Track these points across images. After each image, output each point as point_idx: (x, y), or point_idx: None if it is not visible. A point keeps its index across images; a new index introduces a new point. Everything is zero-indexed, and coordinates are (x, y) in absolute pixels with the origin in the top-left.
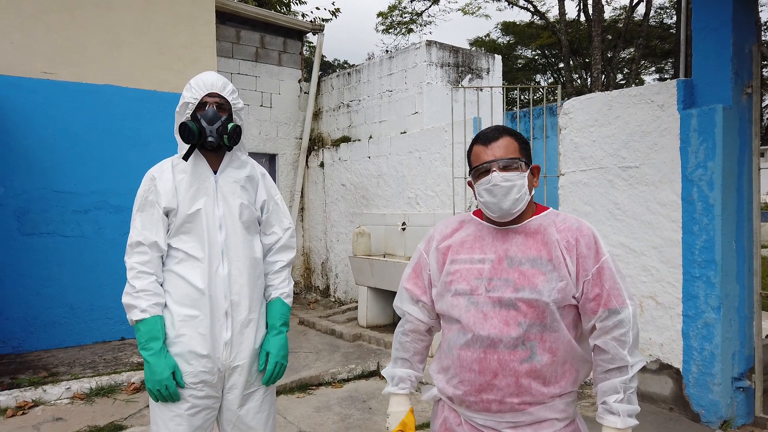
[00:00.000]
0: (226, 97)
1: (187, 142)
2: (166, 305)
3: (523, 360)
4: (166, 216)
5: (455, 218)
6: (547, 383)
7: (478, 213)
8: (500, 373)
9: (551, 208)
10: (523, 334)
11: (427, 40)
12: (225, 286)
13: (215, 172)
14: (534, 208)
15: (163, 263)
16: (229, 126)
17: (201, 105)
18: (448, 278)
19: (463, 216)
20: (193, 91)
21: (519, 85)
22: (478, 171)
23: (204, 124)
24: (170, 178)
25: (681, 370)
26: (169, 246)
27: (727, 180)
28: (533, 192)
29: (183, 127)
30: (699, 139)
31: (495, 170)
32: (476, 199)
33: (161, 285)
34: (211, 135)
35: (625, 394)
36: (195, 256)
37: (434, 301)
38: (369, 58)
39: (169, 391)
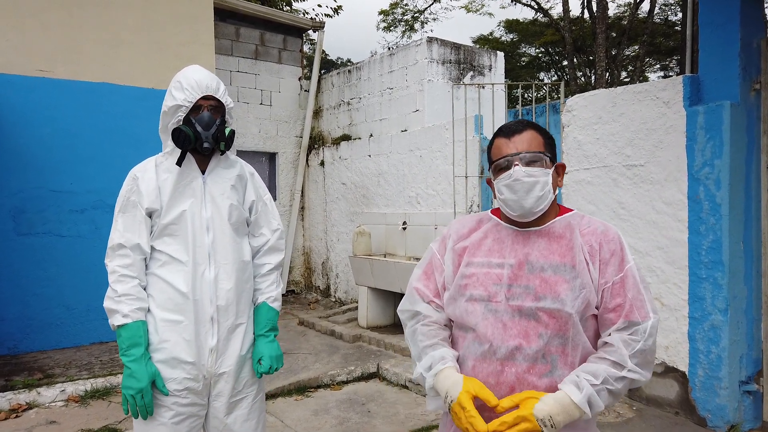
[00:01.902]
0: (219, 98)
1: (181, 148)
2: (149, 310)
3: (543, 375)
4: (149, 217)
5: (472, 217)
6: None
7: (497, 212)
8: (518, 387)
9: (575, 210)
10: (544, 347)
11: (428, 37)
12: (211, 291)
13: (203, 172)
14: (557, 209)
15: (146, 266)
16: (227, 131)
17: (194, 107)
18: (463, 281)
19: (481, 215)
20: (186, 93)
21: (522, 82)
22: (498, 166)
23: (199, 129)
24: (153, 177)
25: (687, 373)
26: (152, 248)
27: (734, 178)
28: (557, 192)
29: (178, 132)
30: (706, 137)
31: (517, 164)
32: (495, 197)
33: (144, 289)
34: (207, 141)
35: (601, 383)
36: (179, 259)
37: (446, 305)
38: (372, 56)
39: (144, 401)
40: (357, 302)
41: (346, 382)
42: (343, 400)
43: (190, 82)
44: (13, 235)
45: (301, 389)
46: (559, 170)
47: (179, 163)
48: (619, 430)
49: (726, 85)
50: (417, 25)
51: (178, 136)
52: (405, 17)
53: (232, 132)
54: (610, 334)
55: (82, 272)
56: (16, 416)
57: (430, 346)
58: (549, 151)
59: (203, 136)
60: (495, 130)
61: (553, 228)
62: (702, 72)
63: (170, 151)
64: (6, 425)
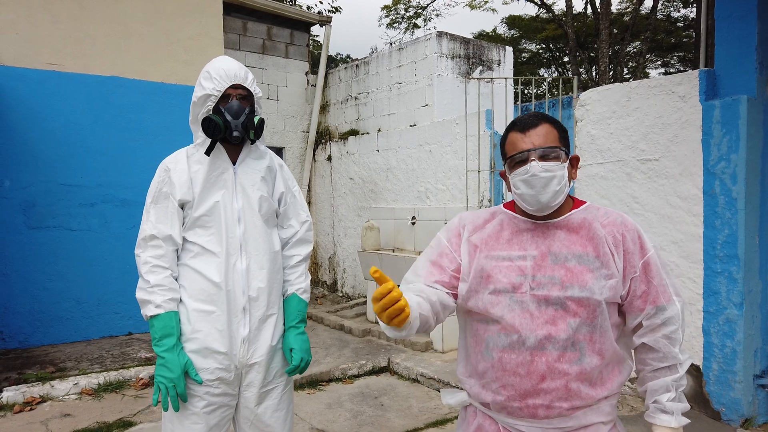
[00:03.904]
0: (248, 87)
1: (210, 137)
2: (181, 300)
3: (573, 362)
4: (181, 208)
5: (486, 210)
6: (594, 385)
7: (510, 206)
8: (548, 376)
9: (589, 202)
10: (573, 335)
11: (437, 31)
12: (243, 281)
13: (234, 163)
14: (572, 201)
15: (177, 257)
16: (256, 120)
17: (223, 97)
18: (484, 274)
19: (494, 209)
20: (215, 83)
21: (534, 77)
22: (513, 160)
23: (229, 118)
24: (185, 169)
25: (701, 367)
26: (184, 239)
27: (750, 173)
28: (572, 184)
29: (208, 121)
30: (722, 131)
31: (534, 159)
32: (511, 191)
33: (176, 279)
34: (237, 129)
35: (676, 392)
36: (211, 250)
37: (464, 298)
38: (372, 52)
39: (177, 391)
40: (364, 297)
41: (358, 376)
42: (355, 393)
43: (219, 72)
44: (24, 228)
45: (314, 383)
46: (573, 162)
47: (208, 152)
48: (633, 424)
49: (742, 79)
50: (420, 21)
51: (207, 125)
52: (407, 13)
53: (262, 120)
54: (641, 324)
55: (92, 266)
56: (31, 409)
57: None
58: (564, 145)
59: (233, 125)
60: (508, 124)
61: (571, 220)
62: (718, 66)
63: (201, 142)
64: (21, 418)
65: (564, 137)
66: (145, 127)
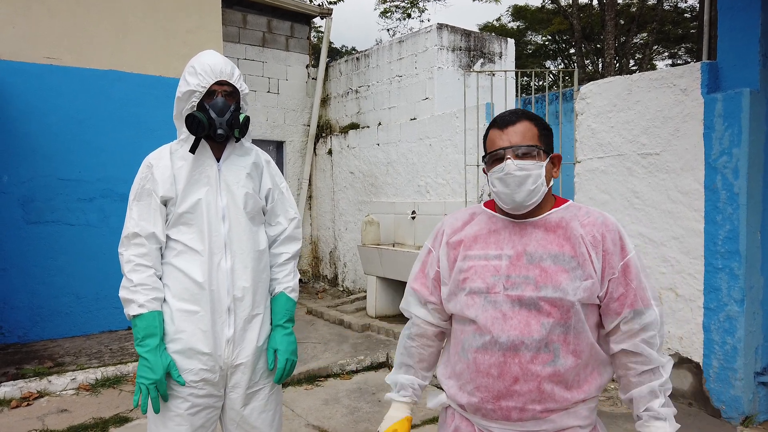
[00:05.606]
0: (234, 84)
1: (194, 134)
2: (165, 300)
3: (547, 364)
4: (165, 205)
5: (466, 210)
6: (569, 388)
7: (490, 204)
8: (521, 378)
9: (571, 201)
10: (546, 336)
11: (438, 24)
12: (228, 281)
13: (218, 160)
14: (553, 200)
15: (161, 255)
16: (241, 117)
17: (208, 93)
18: (461, 276)
19: (474, 208)
20: (200, 78)
21: (534, 69)
22: (492, 158)
23: (213, 115)
24: (168, 165)
25: (701, 364)
26: (167, 237)
27: (753, 168)
28: (552, 183)
29: (192, 119)
30: (724, 125)
31: (509, 158)
32: (489, 188)
33: (160, 278)
34: (221, 127)
35: (665, 397)
36: (194, 248)
37: (445, 301)
38: (377, 44)
39: (159, 392)
40: (365, 291)
41: (356, 372)
42: (353, 389)
43: (204, 67)
44: (22, 223)
45: (311, 378)
46: (555, 161)
47: (193, 150)
48: (632, 422)
49: (745, 72)
50: (416, 12)
51: (191, 122)
52: (403, 2)
53: (247, 118)
54: (619, 329)
55: (91, 261)
56: (28, 404)
57: (404, 366)
58: (543, 143)
59: (217, 123)
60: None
61: (550, 219)
62: (720, 58)
63: (185, 138)
64: (18, 413)
65: (545, 135)
66: (144, 121)
